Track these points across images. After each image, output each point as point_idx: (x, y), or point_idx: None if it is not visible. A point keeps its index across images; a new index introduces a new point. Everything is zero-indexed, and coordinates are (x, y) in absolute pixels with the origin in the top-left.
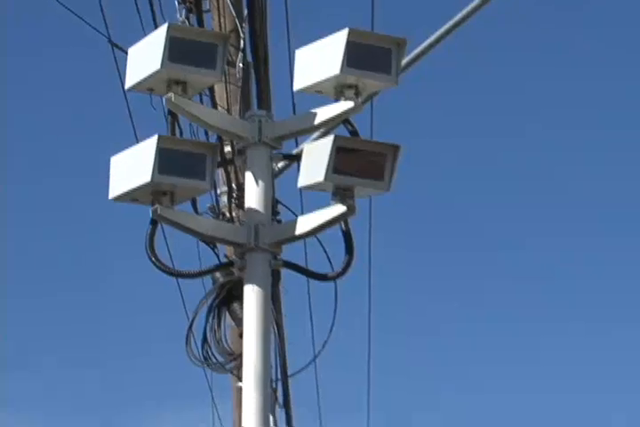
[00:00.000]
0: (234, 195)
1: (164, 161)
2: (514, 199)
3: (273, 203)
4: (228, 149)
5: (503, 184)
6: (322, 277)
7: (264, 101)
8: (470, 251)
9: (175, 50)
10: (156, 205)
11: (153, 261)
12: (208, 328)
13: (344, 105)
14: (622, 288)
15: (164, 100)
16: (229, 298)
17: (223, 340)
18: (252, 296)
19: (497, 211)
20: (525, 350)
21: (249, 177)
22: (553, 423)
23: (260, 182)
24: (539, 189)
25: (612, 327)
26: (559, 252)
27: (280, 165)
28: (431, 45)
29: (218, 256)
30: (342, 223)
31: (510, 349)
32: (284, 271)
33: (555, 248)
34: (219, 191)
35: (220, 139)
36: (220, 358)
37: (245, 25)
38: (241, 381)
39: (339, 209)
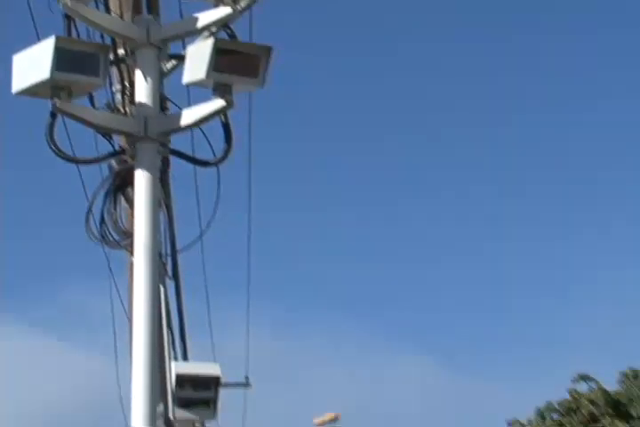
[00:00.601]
0: (127, 92)
1: (62, 59)
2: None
3: (161, 98)
4: (122, 51)
5: (372, 82)
6: (204, 164)
7: (153, 8)
8: (339, 142)
9: None
10: (55, 99)
11: (53, 149)
12: (105, 210)
13: (223, 11)
14: None
15: (60, 4)
16: (124, 184)
17: (119, 220)
18: (141, 180)
19: (362, 109)
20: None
21: (139, 75)
22: None
23: (149, 79)
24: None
25: None
26: None
27: (170, 65)
28: None
29: (113, 146)
30: (222, 116)
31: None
32: (175, 161)
33: None
34: (114, 89)
35: (113, 41)
36: (116, 237)
37: None
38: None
39: (218, 103)
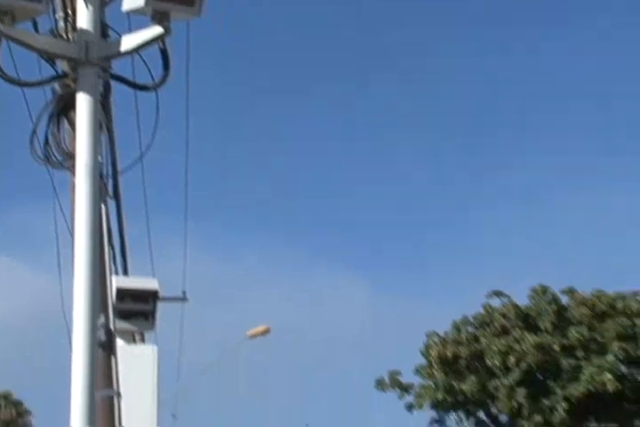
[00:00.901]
0: (69, 19)
1: None
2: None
3: (102, 26)
4: None
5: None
6: (143, 88)
7: None
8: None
9: None
10: None
11: None
12: (49, 133)
13: None
14: None
15: None
16: (67, 107)
17: (62, 142)
18: (83, 103)
19: (302, 47)
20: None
21: (80, 2)
22: None
23: (90, 6)
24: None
25: None
26: None
27: None
28: None
29: (56, 71)
30: (161, 43)
31: None
32: (118, 87)
33: None
34: (57, 16)
35: None
36: (60, 158)
37: None
38: None
39: (157, 30)
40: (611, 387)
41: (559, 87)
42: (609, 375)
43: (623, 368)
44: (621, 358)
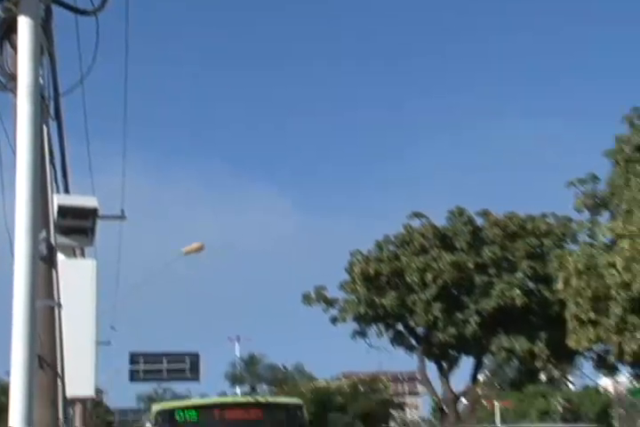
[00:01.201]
0: None
1: None
2: None
3: None
4: None
5: None
6: (83, 12)
7: None
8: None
9: None
10: None
11: None
12: None
13: None
14: None
15: None
16: (9, 31)
17: (5, 64)
18: (24, 27)
19: None
20: None
21: None
22: None
23: None
24: None
25: None
26: None
27: None
28: None
29: None
30: None
31: None
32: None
33: None
34: None
35: None
36: (3, 79)
37: None
38: None
39: None
40: (519, 302)
41: None
42: (518, 291)
43: (531, 284)
44: (529, 275)
